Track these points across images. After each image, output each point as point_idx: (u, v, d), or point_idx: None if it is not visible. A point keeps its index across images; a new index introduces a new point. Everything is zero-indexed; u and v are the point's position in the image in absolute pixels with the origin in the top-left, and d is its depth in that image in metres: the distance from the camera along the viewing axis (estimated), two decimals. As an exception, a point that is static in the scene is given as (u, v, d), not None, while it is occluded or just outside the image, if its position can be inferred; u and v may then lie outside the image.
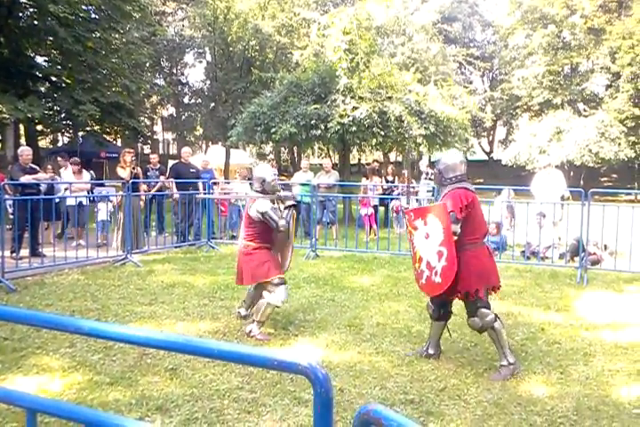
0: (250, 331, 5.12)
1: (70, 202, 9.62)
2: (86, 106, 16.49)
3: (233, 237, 11.53)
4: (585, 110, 31.51)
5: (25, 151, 9.19)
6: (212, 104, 31.13)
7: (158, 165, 12.02)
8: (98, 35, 18.20)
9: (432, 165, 15.60)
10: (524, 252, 9.45)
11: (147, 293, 6.69)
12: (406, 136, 13.81)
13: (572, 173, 29.26)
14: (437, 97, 15.23)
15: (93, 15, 18.63)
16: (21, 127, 21.88)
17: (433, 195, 10.85)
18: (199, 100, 35.33)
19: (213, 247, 10.06)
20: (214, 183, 11.42)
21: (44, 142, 33.94)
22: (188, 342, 1.60)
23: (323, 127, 13.38)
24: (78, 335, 4.38)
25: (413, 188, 12.93)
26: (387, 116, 13.42)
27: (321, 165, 13.25)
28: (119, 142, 31.74)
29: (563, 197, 10.05)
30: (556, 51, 32.12)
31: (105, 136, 23.30)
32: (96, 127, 21.05)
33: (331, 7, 31.64)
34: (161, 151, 43.95)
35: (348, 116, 13.18)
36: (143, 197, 10.31)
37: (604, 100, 30.71)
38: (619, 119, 27.80)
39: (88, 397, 3.75)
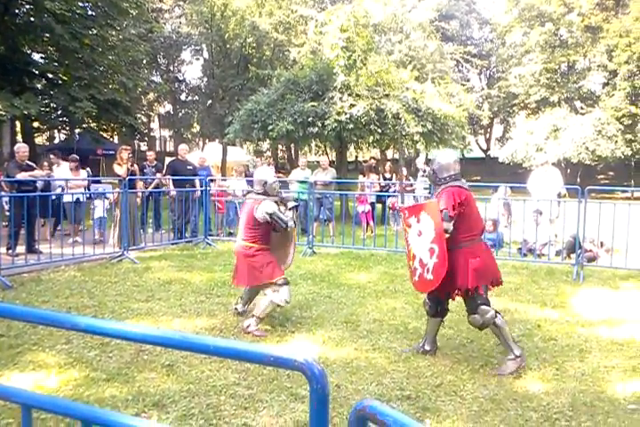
0: (248, 326, 5.13)
1: (67, 199, 9.60)
2: (83, 103, 16.43)
3: (230, 234, 11.53)
4: (582, 108, 31.51)
5: (21, 148, 9.17)
6: (209, 101, 31.05)
7: (155, 162, 11.99)
8: (94, 32, 18.13)
9: (429, 162, 15.62)
10: (520, 249, 9.47)
11: (143, 289, 6.69)
12: (403, 134, 13.82)
13: (568, 171, 29.30)
14: (434, 95, 15.24)
15: (90, 12, 18.54)
16: (18, 124, 21.78)
17: (430, 192, 10.86)
18: (196, 98, 35.25)
19: (210, 244, 10.06)
20: (211, 180, 11.41)
21: (40, 139, 33.83)
22: (184, 339, 1.60)
23: (320, 124, 13.38)
24: (74, 332, 4.38)
25: (411, 185, 12.95)
26: (384, 114, 13.43)
27: (318, 162, 13.25)
28: (116, 139, 31.66)
29: (559, 194, 10.05)
30: (553, 49, 32.12)
31: (101, 133, 23.21)
32: (93, 124, 20.96)
33: (328, 4, 31.57)
34: (158, 148, 43.90)
35: (346, 114, 13.18)
36: (140, 194, 10.29)
37: (601, 98, 30.71)
38: (615, 117, 27.83)
39: (84, 393, 3.75)
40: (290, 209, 5.55)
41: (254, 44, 28.30)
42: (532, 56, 33.05)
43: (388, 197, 12.37)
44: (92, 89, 17.52)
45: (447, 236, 4.29)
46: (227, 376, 4.08)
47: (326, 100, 13.74)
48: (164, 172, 11.41)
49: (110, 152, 23.16)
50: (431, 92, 15.17)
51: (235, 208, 11.93)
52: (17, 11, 17.35)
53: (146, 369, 4.20)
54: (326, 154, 27.47)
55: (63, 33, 16.06)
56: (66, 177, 10.31)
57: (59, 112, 19.21)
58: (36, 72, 18.44)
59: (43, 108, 17.38)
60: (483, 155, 43.48)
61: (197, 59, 36.17)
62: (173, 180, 10.62)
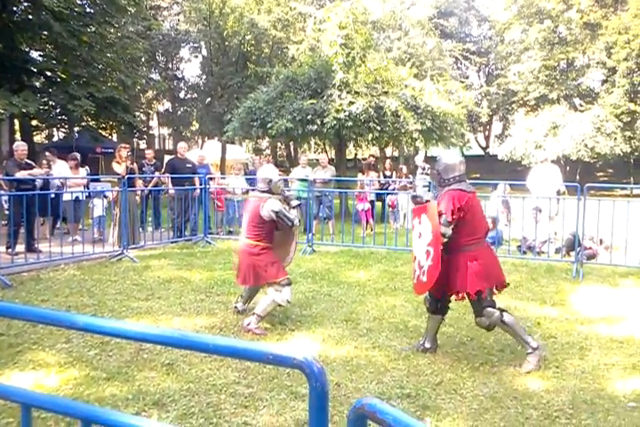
0: (248, 324, 5.13)
1: (66, 197, 9.59)
2: (81, 101, 16.39)
3: (229, 233, 11.52)
4: (581, 105, 31.52)
5: (20, 147, 9.15)
6: (208, 99, 31.01)
7: (154, 161, 11.98)
8: (93, 29, 18.08)
9: (428, 159, 15.62)
10: (520, 246, 9.47)
11: (143, 288, 6.68)
12: (402, 131, 13.81)
13: (567, 168, 29.30)
14: (433, 92, 15.20)
15: (88, 9, 18.48)
16: (16, 122, 21.75)
17: (429, 190, 10.86)
18: (195, 95, 35.20)
19: (210, 242, 10.05)
20: (210, 178, 11.40)
21: (39, 138, 33.80)
22: (183, 337, 1.59)
23: (319, 122, 13.36)
24: (74, 331, 4.37)
25: (410, 182, 12.95)
26: (383, 111, 13.41)
27: (317, 160, 13.25)
28: (115, 138, 31.63)
29: (559, 191, 10.05)
30: (552, 46, 32.11)
31: (100, 131, 23.19)
32: (91, 122, 20.94)
33: (327, 1, 31.50)
34: (157, 146, 43.91)
35: (345, 111, 13.16)
36: (139, 193, 10.28)
37: (600, 95, 30.72)
38: (614, 114, 27.82)
39: (84, 392, 3.75)
40: (294, 207, 5.56)
41: (253, 42, 28.27)
42: (530, 53, 33.05)
43: (388, 194, 12.40)
44: (91, 87, 17.49)
45: (445, 240, 4.29)
46: (227, 375, 4.08)
47: (325, 97, 13.72)
48: (163, 170, 11.39)
49: (109, 150, 23.11)
50: (430, 90, 15.14)
51: (234, 206, 11.92)
52: (15, 8, 17.29)
53: (146, 368, 4.20)
54: (325, 152, 27.46)
55: (61, 31, 16.01)
56: (64, 175, 10.30)
57: (57, 110, 19.19)
58: (35, 70, 18.39)
59: (41, 107, 17.36)
60: (482, 152, 43.48)
61: (196, 56, 36.10)
62: (173, 178, 10.60)
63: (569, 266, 8.16)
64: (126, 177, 9.07)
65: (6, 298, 6.10)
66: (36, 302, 5.93)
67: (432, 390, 3.92)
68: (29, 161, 9.18)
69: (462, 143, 23.15)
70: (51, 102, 18.47)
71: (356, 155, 39.02)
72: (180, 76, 37.20)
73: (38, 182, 9.21)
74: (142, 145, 35.07)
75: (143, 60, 27.19)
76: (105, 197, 10.63)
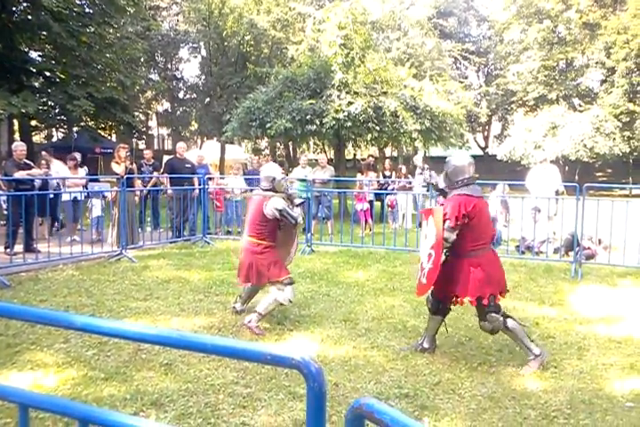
0: (249, 321, 5.11)
1: (65, 198, 9.58)
2: (80, 101, 16.38)
3: (228, 233, 11.53)
4: (580, 105, 31.54)
5: (19, 147, 9.15)
6: (207, 99, 30.99)
7: (152, 161, 11.97)
8: (92, 29, 18.07)
9: (427, 159, 15.63)
10: (518, 246, 9.48)
11: (142, 288, 6.68)
12: (401, 131, 13.81)
13: (566, 168, 29.31)
14: (432, 92, 15.21)
15: (87, 10, 18.48)
16: (15, 123, 21.73)
17: (428, 190, 10.86)
18: (194, 96, 35.19)
19: (209, 243, 10.05)
20: (209, 178, 11.40)
21: (38, 138, 33.76)
22: (181, 337, 1.59)
23: (318, 122, 13.37)
24: (73, 331, 4.37)
25: (409, 183, 12.96)
26: (382, 112, 13.42)
27: (316, 160, 13.26)
28: (114, 138, 31.62)
29: (557, 191, 10.06)
30: (551, 46, 32.14)
31: (99, 131, 23.18)
32: (90, 122, 20.92)
33: (326, 2, 31.50)
34: (156, 147, 43.90)
35: (344, 112, 13.16)
36: (138, 193, 10.28)
37: (599, 95, 30.74)
38: (613, 114, 27.84)
39: (83, 392, 3.75)
40: (297, 205, 5.55)
41: (252, 42, 28.27)
42: (530, 53, 33.07)
43: (387, 194, 12.40)
44: (90, 87, 17.48)
45: (448, 245, 4.29)
46: (225, 375, 4.08)
47: (324, 97, 13.72)
48: (162, 170, 11.39)
49: (108, 150, 23.12)
50: (429, 90, 15.15)
51: (233, 206, 11.92)
52: (14, 8, 17.28)
53: (144, 368, 4.20)
54: (324, 152, 27.49)
55: (60, 31, 16.00)
56: (61, 175, 10.29)
57: (56, 110, 19.17)
58: (34, 70, 18.37)
59: (40, 107, 17.34)
60: (481, 152, 43.43)
61: (195, 56, 36.11)
62: (171, 178, 10.60)
63: (567, 266, 8.16)
64: (125, 177, 9.06)
65: (5, 298, 6.09)
66: (34, 303, 5.93)
67: (430, 390, 3.92)
68: (28, 161, 9.18)
69: (461, 143, 23.12)
70: (50, 102, 18.46)
71: (355, 155, 39.04)
72: (179, 76, 37.21)
73: (37, 183, 9.21)
74: (141, 145, 35.07)
75: (142, 60, 27.21)
76: (104, 197, 10.62)
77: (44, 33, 17.30)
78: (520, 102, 35.67)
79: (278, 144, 37.31)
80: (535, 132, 28.44)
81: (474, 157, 4.83)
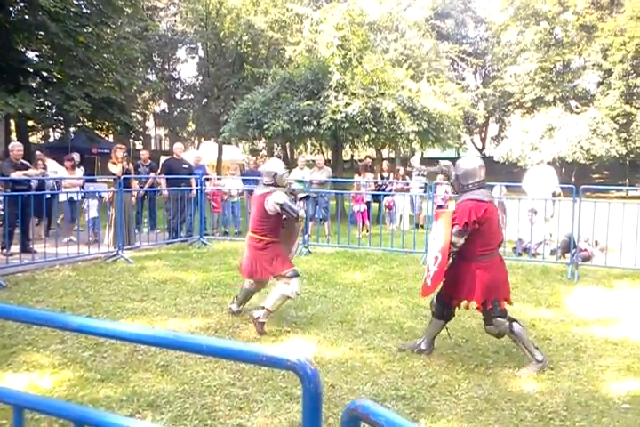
0: (258, 317, 5.06)
1: (62, 198, 9.56)
2: (78, 101, 16.37)
3: (225, 234, 11.52)
4: (577, 107, 31.59)
5: (16, 147, 9.13)
6: (205, 100, 31.01)
7: (149, 162, 11.95)
8: (89, 30, 18.06)
9: (424, 161, 15.63)
10: (515, 248, 9.48)
11: (138, 289, 6.67)
12: (399, 132, 13.83)
13: (563, 170, 29.36)
14: (430, 93, 15.23)
15: (85, 10, 18.48)
16: (12, 123, 21.69)
17: (425, 191, 10.87)
18: (191, 96, 35.20)
19: (205, 244, 10.04)
20: (206, 179, 11.39)
21: (35, 138, 33.70)
22: (176, 338, 1.59)
23: (315, 123, 13.37)
24: (69, 332, 4.36)
25: (407, 184, 12.97)
26: (379, 113, 13.43)
27: (313, 161, 13.26)
28: (111, 138, 31.56)
29: (554, 193, 10.07)
30: (548, 47, 32.21)
31: (96, 132, 23.14)
32: (87, 123, 20.88)
33: (323, 3, 31.54)
34: (153, 147, 43.85)
35: (341, 113, 13.17)
36: (135, 193, 10.26)
37: (596, 97, 30.80)
38: (610, 116, 27.91)
39: (79, 393, 3.74)
40: (301, 199, 5.51)
41: (250, 43, 28.29)
42: (527, 55, 33.13)
43: (384, 196, 12.40)
44: (87, 87, 17.47)
45: (455, 249, 4.29)
46: (221, 376, 4.07)
47: (322, 98, 13.73)
48: (158, 171, 11.38)
49: (105, 151, 23.08)
50: (426, 91, 15.17)
51: (230, 207, 11.91)
52: (11, 8, 17.25)
53: (140, 369, 4.19)
54: (322, 153, 27.50)
55: (58, 31, 15.99)
56: (59, 175, 10.27)
57: (53, 111, 19.13)
58: (31, 70, 18.35)
59: (37, 107, 17.29)
60: (478, 154, 43.48)
61: (193, 57, 36.13)
62: (169, 179, 10.58)
63: (564, 268, 8.18)
64: (122, 178, 9.04)
65: (1, 299, 6.06)
66: (30, 303, 5.91)
67: (427, 391, 3.92)
68: (25, 161, 9.16)
69: (458, 145, 23.23)
70: (47, 103, 18.42)
71: (352, 156, 39.02)
72: (176, 76, 37.20)
73: (34, 183, 9.20)
74: (138, 146, 35.07)
75: (140, 60, 27.19)
76: (101, 197, 10.60)
77: (42, 33, 17.30)
78: (517, 104, 35.73)
79: (276, 145, 37.32)
80: (532, 134, 28.47)
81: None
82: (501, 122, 42.14)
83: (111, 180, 9.84)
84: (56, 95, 16.99)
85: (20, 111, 15.06)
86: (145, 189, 10.90)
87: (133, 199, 10.12)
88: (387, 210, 12.79)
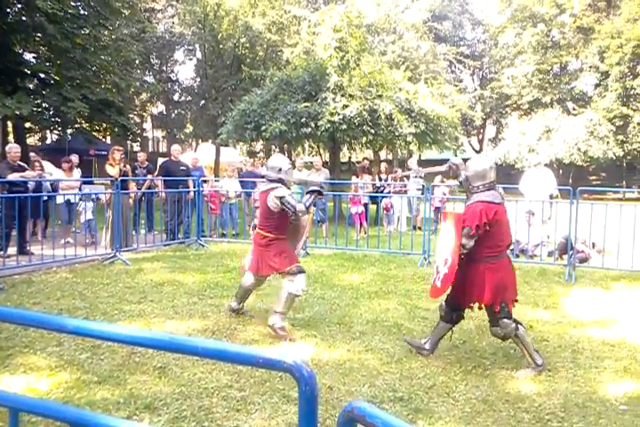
0: (274, 324, 5.03)
1: (59, 200, 9.54)
2: (75, 103, 16.35)
3: (223, 235, 11.51)
4: (574, 109, 31.66)
5: (13, 149, 9.11)
6: (202, 102, 31.03)
7: (146, 164, 11.93)
8: (87, 31, 18.05)
9: (422, 163, 15.65)
10: (512, 249, 9.47)
11: (135, 291, 6.66)
12: (396, 134, 13.83)
13: (560, 172, 29.42)
14: (427, 95, 15.25)
15: (82, 11, 18.46)
16: (9, 124, 21.67)
17: (422, 193, 10.88)
18: (189, 98, 35.22)
19: (203, 245, 10.03)
20: (204, 181, 11.38)
21: (32, 140, 33.65)
22: (172, 340, 1.59)
23: (313, 125, 13.38)
24: (66, 334, 4.35)
25: (404, 186, 12.97)
26: (377, 115, 13.44)
27: (311, 162, 13.26)
28: (108, 140, 31.55)
29: (551, 195, 10.09)
30: (545, 50, 32.28)
31: (94, 134, 23.11)
32: (85, 125, 20.86)
33: (321, 5, 31.60)
34: (150, 149, 43.82)
35: (339, 115, 13.17)
36: (132, 195, 10.25)
37: (593, 99, 30.87)
38: (607, 118, 27.96)
39: (76, 396, 3.73)
40: (308, 192, 5.35)
41: (247, 45, 28.33)
42: (524, 57, 33.20)
43: (382, 197, 12.41)
44: (85, 89, 17.44)
45: (465, 251, 4.28)
46: (219, 378, 4.07)
47: (319, 100, 13.73)
48: (156, 173, 11.36)
49: (103, 153, 23.04)
50: (424, 93, 15.18)
51: (228, 209, 11.91)
52: (8, 10, 17.24)
53: (137, 371, 4.18)
54: (319, 154, 27.49)
55: (55, 32, 15.98)
56: (54, 177, 10.25)
57: (51, 112, 19.09)
58: (28, 72, 18.33)
59: (35, 109, 17.28)
60: (475, 156, 43.60)
61: (190, 59, 36.15)
62: (166, 180, 10.57)
63: (561, 269, 8.19)
64: (119, 179, 9.03)
65: (-3, 301, 6.06)
66: (27, 305, 5.90)
67: (424, 393, 3.92)
68: (22, 163, 9.14)
69: (456, 147, 23.22)
70: (44, 104, 18.39)
71: (350, 158, 39.05)
72: (174, 78, 37.23)
73: (31, 185, 9.18)
74: (136, 147, 35.01)
75: (137, 62, 27.16)
76: (98, 199, 10.58)
77: (39, 34, 17.28)
78: (514, 106, 35.81)
79: (273, 147, 37.32)
80: (529, 136, 28.52)
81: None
82: (499, 124, 42.18)
83: (108, 182, 9.82)
84: (53, 97, 16.96)
85: (18, 113, 15.03)
86: (142, 190, 10.89)
87: (131, 201, 10.11)
88: (384, 212, 12.80)
